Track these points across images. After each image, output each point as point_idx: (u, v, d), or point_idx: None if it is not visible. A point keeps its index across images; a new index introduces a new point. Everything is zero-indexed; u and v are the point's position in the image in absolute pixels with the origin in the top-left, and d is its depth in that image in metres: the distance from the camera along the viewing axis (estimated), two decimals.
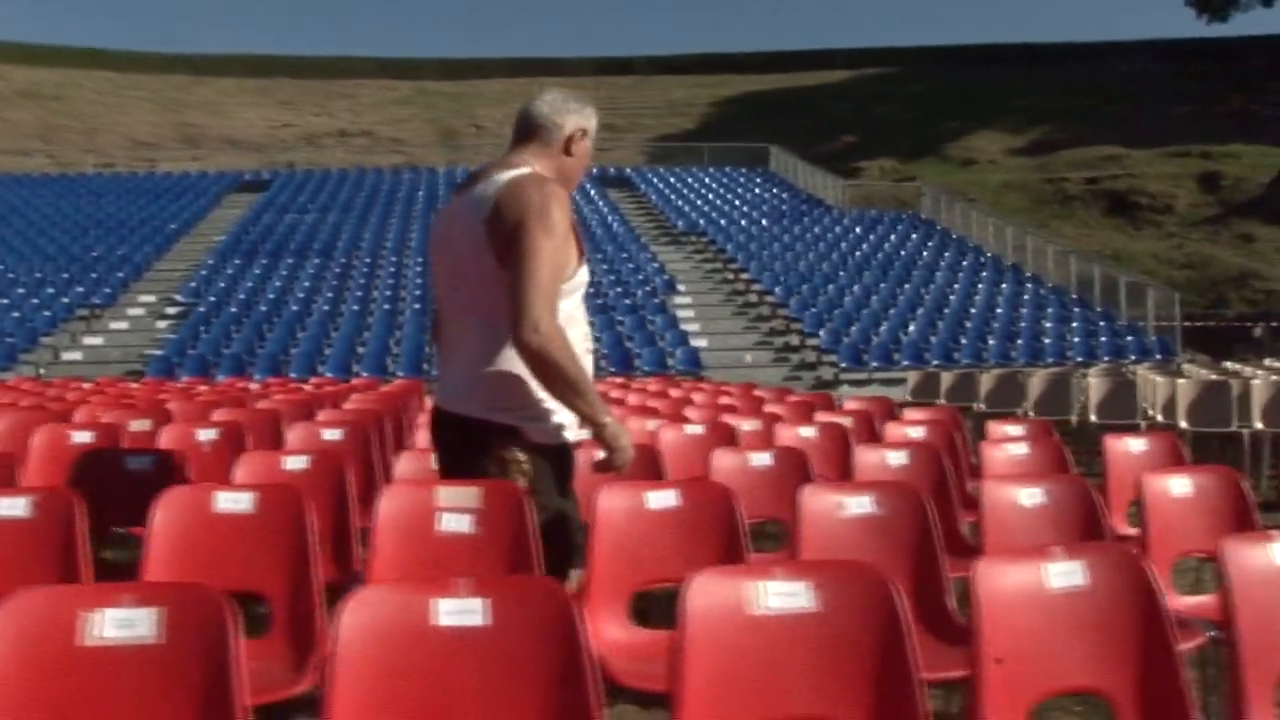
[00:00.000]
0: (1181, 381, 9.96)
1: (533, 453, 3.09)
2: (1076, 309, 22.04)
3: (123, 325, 20.83)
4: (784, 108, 52.43)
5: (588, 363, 3.15)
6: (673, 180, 33.88)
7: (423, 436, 5.55)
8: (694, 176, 34.63)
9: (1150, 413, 10.73)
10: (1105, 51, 57.24)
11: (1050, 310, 21.72)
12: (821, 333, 19.61)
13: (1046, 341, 19.79)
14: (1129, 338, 20.39)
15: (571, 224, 3.07)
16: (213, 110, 57.97)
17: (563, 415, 3.08)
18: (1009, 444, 5.04)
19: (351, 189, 32.38)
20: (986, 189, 39.40)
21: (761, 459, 4.41)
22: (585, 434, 3.14)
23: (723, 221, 28.05)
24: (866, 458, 4.57)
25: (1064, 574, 2.38)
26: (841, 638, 2.20)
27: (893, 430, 5.88)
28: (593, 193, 31.34)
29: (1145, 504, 3.49)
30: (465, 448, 3.12)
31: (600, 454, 3.06)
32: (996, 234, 26.89)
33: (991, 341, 19.54)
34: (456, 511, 3.09)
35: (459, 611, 2.08)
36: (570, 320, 3.07)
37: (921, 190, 32.40)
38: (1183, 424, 9.54)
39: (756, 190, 32.79)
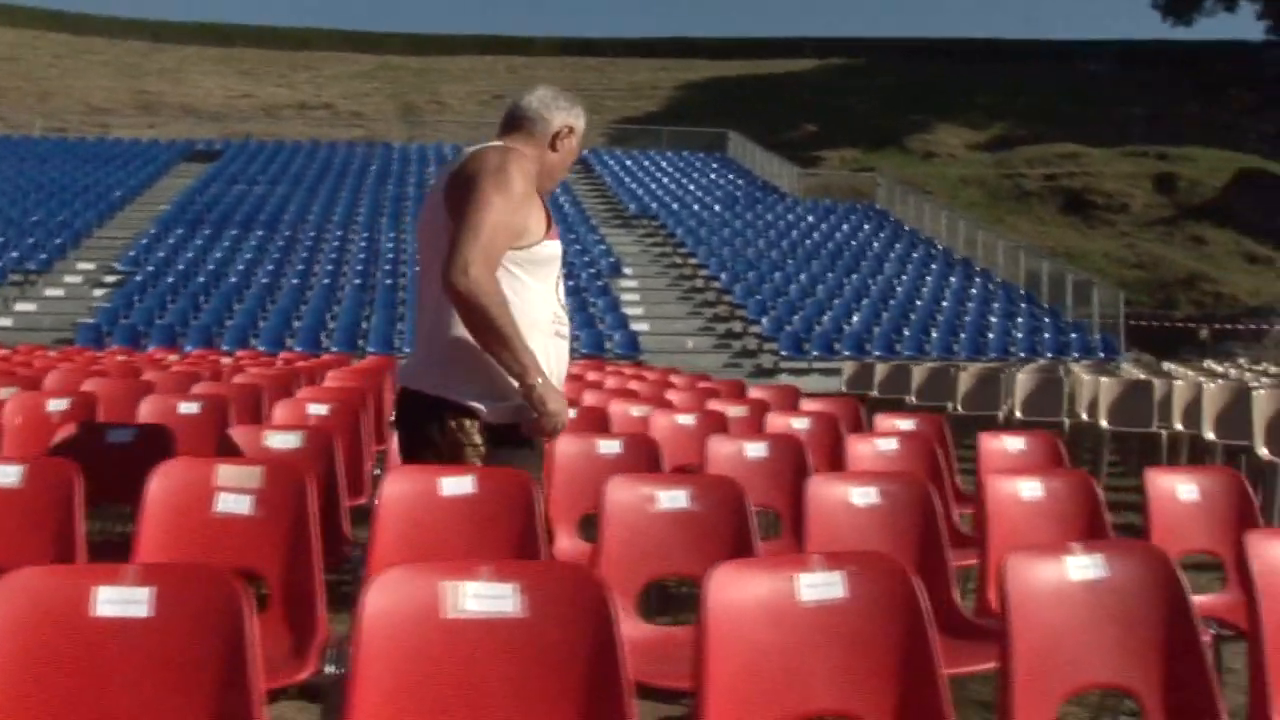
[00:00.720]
0: (1105, 380, 9.87)
1: (489, 432, 3.02)
2: (1023, 305, 22.07)
3: (58, 292, 20.46)
4: (748, 94, 52.27)
5: (561, 348, 3.10)
6: (629, 163, 33.69)
7: None
8: (651, 160, 34.46)
9: (1077, 411, 10.59)
10: (1070, 51, 57.45)
11: (996, 305, 21.73)
12: (764, 320, 19.52)
13: (990, 336, 19.77)
14: (1073, 335, 20.41)
15: (539, 195, 3.04)
16: (171, 78, 57.16)
17: (517, 396, 2.98)
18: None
19: (304, 161, 32.00)
20: (945, 182, 39.43)
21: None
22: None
23: (675, 205, 27.90)
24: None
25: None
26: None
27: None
28: None
29: (986, 506, 3.37)
30: (419, 424, 3.05)
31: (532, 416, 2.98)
32: (949, 227, 26.92)
33: (934, 334, 19.53)
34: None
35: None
36: (530, 293, 3.00)
37: (877, 181, 32.34)
38: (1103, 423, 9.47)
39: (712, 175, 32.65)
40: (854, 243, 25.63)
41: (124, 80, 56.34)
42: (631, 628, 2.82)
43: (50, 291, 20.47)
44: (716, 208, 28.15)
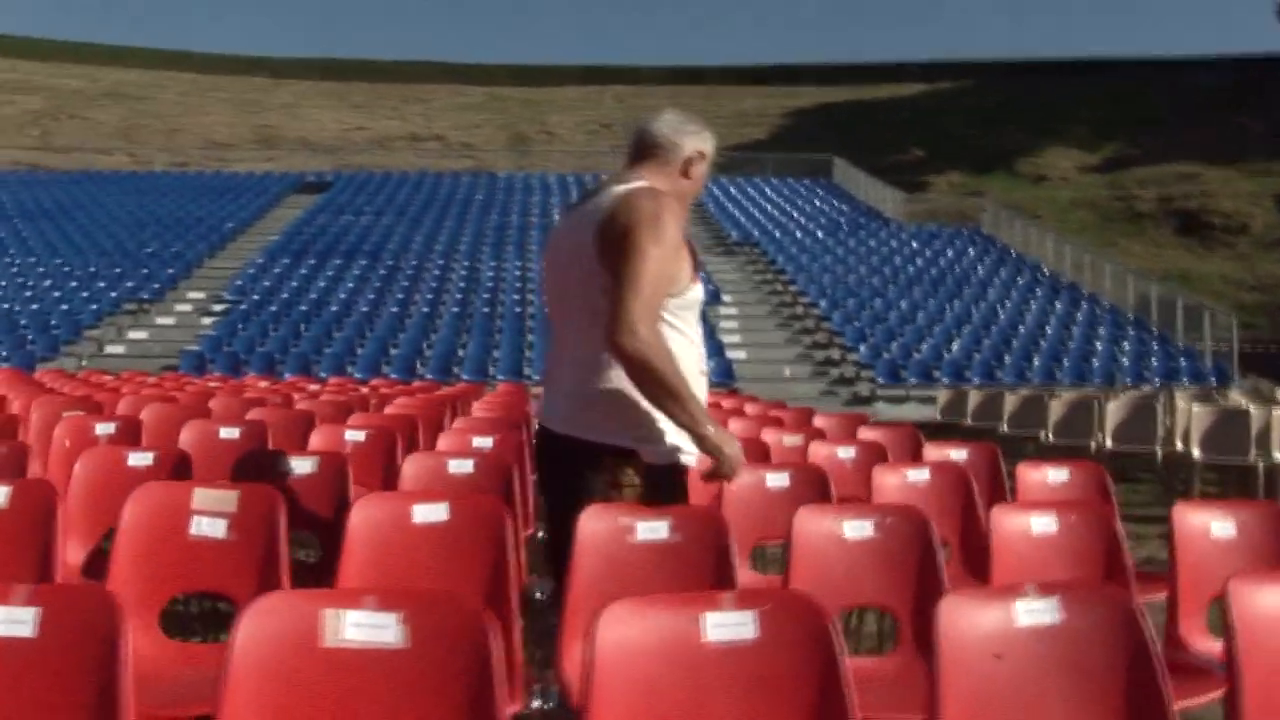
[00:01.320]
0: (1198, 408, 9.50)
1: (646, 473, 3.04)
2: (1130, 330, 21.42)
3: (169, 320, 21.05)
4: (854, 120, 51.92)
5: (701, 385, 3.09)
6: (733, 190, 33.62)
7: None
8: (755, 187, 34.36)
9: (1174, 440, 10.18)
10: (1182, 65, 55.89)
11: (1102, 330, 21.13)
12: (862, 348, 19.25)
13: (1095, 363, 19.23)
14: (1183, 361, 19.74)
15: (686, 240, 3.03)
16: (288, 112, 58.82)
17: (677, 435, 3.02)
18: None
19: (410, 191, 32.57)
20: (1055, 205, 38.63)
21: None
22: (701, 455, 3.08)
23: (777, 233, 27.73)
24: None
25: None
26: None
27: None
28: None
29: (992, 541, 3.23)
30: (575, 471, 3.04)
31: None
32: (1056, 251, 26.29)
33: (1036, 361, 19.04)
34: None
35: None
36: (683, 338, 3.02)
37: (983, 206, 31.77)
38: (1195, 452, 9.12)
39: (816, 202, 32.41)
40: (958, 268, 25.17)
41: (244, 116, 58.11)
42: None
43: (161, 320, 21.06)
44: (819, 234, 27.92)
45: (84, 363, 18.03)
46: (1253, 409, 9.47)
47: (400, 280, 22.59)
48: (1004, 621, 2.15)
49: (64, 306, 20.62)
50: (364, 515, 3.00)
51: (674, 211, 2.96)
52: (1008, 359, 19.05)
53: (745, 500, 3.90)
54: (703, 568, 2.94)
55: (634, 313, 2.80)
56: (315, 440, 5.22)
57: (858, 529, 3.11)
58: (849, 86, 58.48)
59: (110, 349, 19.39)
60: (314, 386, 11.57)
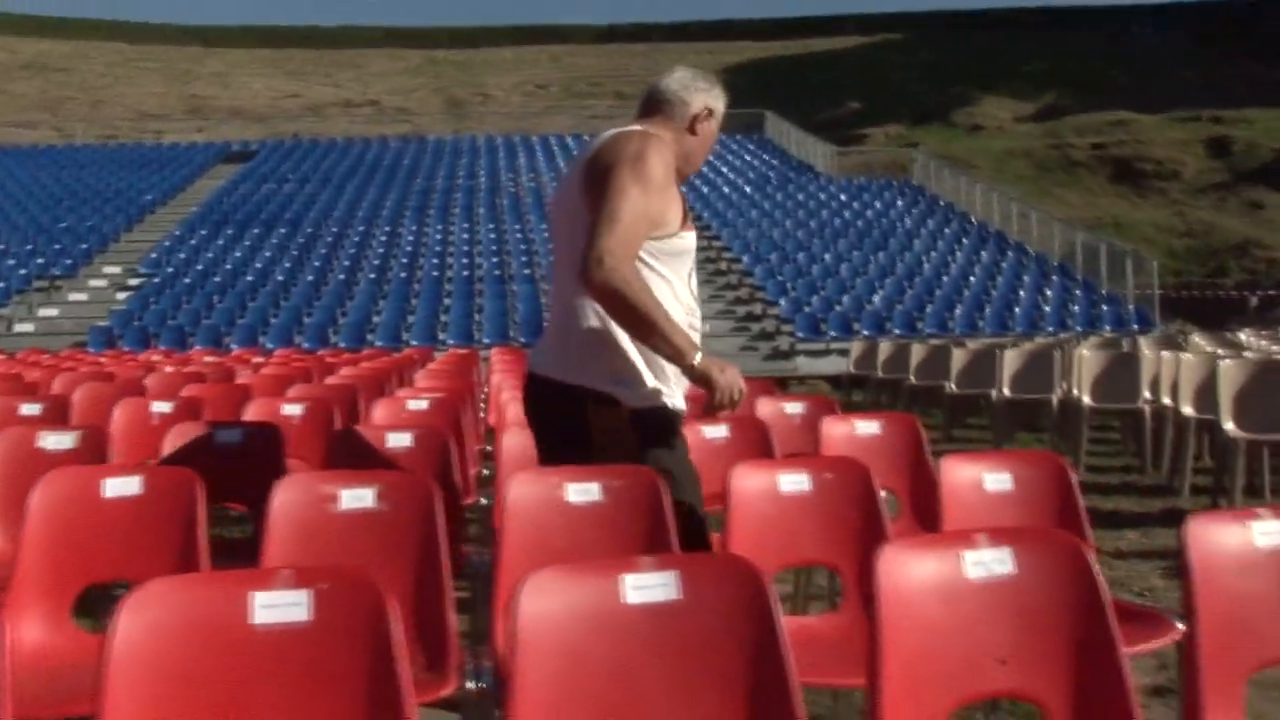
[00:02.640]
0: (1084, 352, 9.37)
1: (632, 418, 2.92)
2: (1055, 278, 21.41)
3: (82, 296, 20.59)
4: (791, 74, 51.69)
5: (695, 341, 2.96)
6: None
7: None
8: None
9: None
10: (1121, 15, 56.08)
11: (1028, 279, 21.11)
12: (782, 301, 19.12)
13: (1018, 311, 19.20)
14: (1104, 308, 19.75)
15: (676, 184, 2.95)
16: (220, 81, 57.81)
17: (661, 379, 2.92)
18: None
19: (337, 159, 32.05)
20: (990, 155, 38.62)
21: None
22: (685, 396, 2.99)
23: (704, 188, 27.50)
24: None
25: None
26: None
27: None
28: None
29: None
30: (562, 415, 2.96)
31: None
32: (984, 201, 26.25)
33: (959, 311, 18.99)
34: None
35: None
36: (665, 284, 2.91)
37: (913, 157, 31.70)
38: (1086, 399, 9.01)
39: (746, 157, 32.21)
40: (885, 220, 25.08)
41: (175, 86, 57.07)
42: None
43: (74, 296, 20.60)
44: (747, 189, 27.73)
45: None
46: (1145, 353, 9.36)
47: (319, 248, 22.20)
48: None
49: None
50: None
51: (662, 154, 2.87)
52: (929, 310, 18.98)
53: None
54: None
55: (605, 244, 2.70)
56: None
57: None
58: (785, 41, 58.22)
59: (20, 327, 18.96)
60: (258, 359, 11.35)
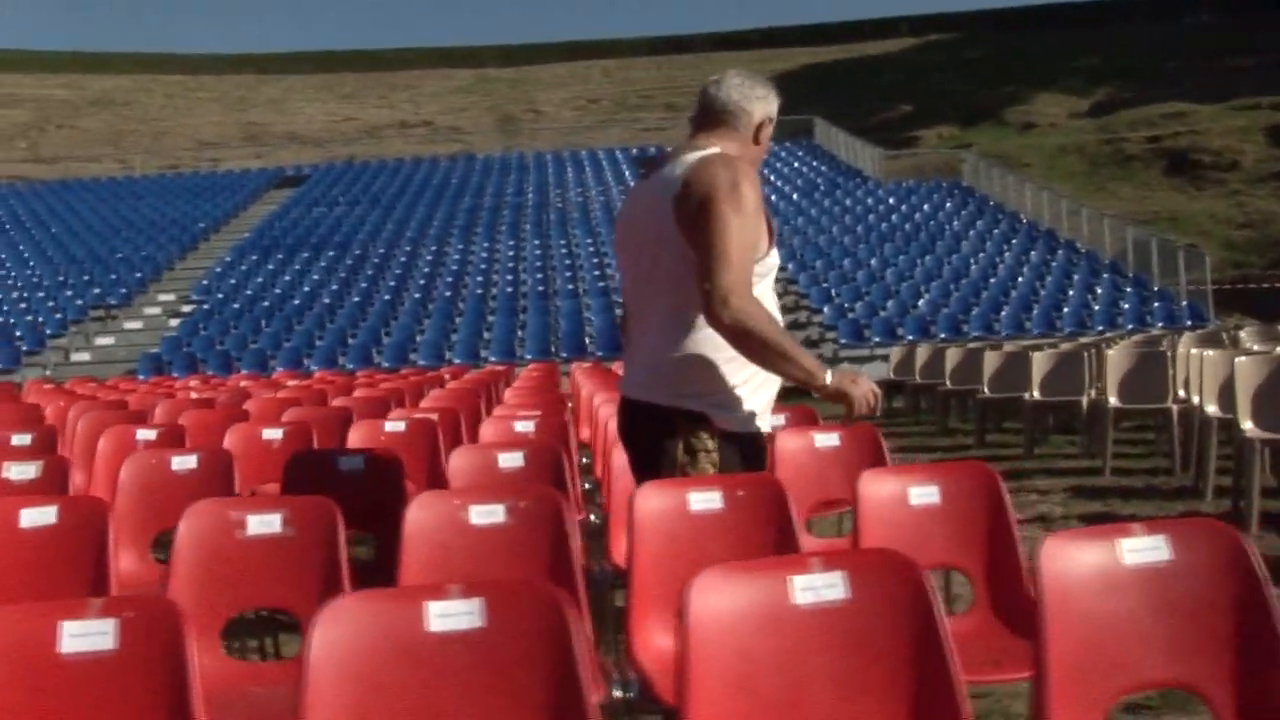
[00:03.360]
0: (1112, 353, 9.19)
1: (721, 440, 2.98)
2: (1106, 276, 21.07)
3: (136, 325, 20.98)
4: (842, 79, 51.44)
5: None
6: None
7: None
8: None
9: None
10: (1173, 5, 55.12)
11: (1077, 278, 20.80)
12: (826, 309, 19.01)
13: (1065, 311, 18.91)
14: (1155, 305, 19.40)
15: (761, 204, 2.97)
16: (276, 108, 58.67)
17: (753, 403, 3.01)
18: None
19: (388, 179, 32.37)
20: (1042, 153, 38.11)
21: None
22: (779, 421, 3.16)
23: None
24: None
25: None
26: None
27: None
28: (625, 171, 30.95)
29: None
30: (652, 436, 3.01)
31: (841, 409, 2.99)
32: (1034, 199, 25.92)
33: (1004, 313, 18.75)
34: None
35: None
36: (765, 305, 2.97)
37: (962, 157, 31.37)
38: (1113, 400, 8.84)
39: (795, 164, 32.10)
40: (933, 223, 24.85)
41: (232, 114, 58.00)
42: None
43: (129, 325, 20.99)
44: (795, 196, 27.62)
45: (48, 371, 17.99)
46: (1180, 351, 9.15)
47: (366, 270, 22.42)
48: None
49: (29, 317, 20.53)
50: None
51: (751, 178, 2.90)
52: (974, 312, 18.77)
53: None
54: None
55: (725, 284, 2.76)
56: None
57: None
58: (836, 46, 57.94)
59: (76, 356, 19.35)
60: (294, 382, 11.43)
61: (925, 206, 26.29)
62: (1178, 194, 34.00)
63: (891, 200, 26.90)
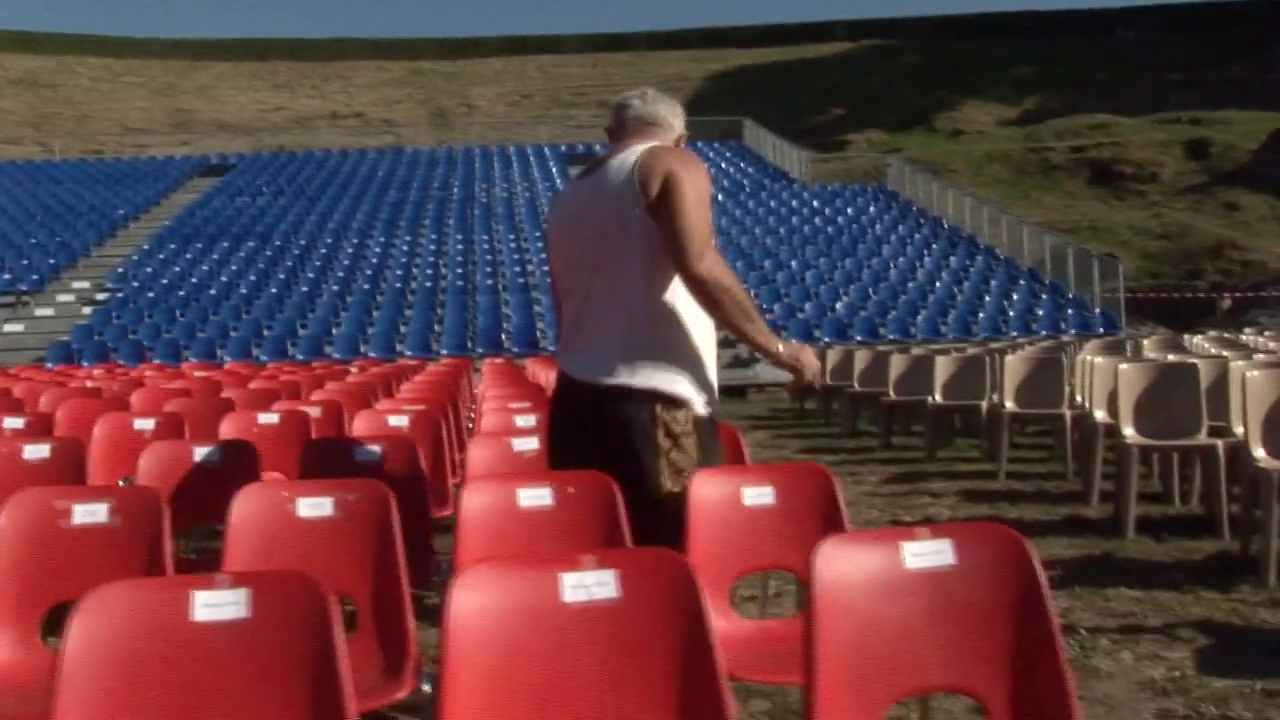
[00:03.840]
0: (1011, 360, 9.31)
1: (694, 423, 2.99)
2: (1024, 282, 21.39)
3: (48, 312, 20.57)
4: (776, 81, 51.72)
5: (711, 352, 3.14)
6: None
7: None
8: None
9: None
10: (1109, 19, 56.09)
11: (995, 284, 21.09)
12: None
13: (981, 316, 19.17)
14: (1069, 311, 19.73)
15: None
16: (206, 95, 57.84)
17: (713, 386, 3.07)
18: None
19: (314, 171, 32.05)
20: (970, 160, 38.61)
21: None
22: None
23: None
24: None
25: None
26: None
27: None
28: (554, 169, 30.87)
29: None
30: (623, 420, 2.95)
31: (787, 377, 3.17)
32: (956, 205, 26.24)
33: (921, 318, 18.96)
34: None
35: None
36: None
37: (888, 162, 31.69)
38: (1009, 405, 8.96)
39: (723, 165, 32.20)
40: (856, 226, 25.06)
41: (160, 100, 57.11)
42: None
43: (41, 311, 20.58)
44: (720, 196, 27.69)
45: None
46: (1064, 359, 9.30)
47: (285, 262, 22.17)
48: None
49: None
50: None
51: (700, 165, 3.00)
52: (892, 315, 18.95)
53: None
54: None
55: (698, 244, 2.84)
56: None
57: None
58: (773, 48, 58.25)
59: None
60: (200, 373, 11.21)
61: (849, 210, 26.51)
62: (1099, 204, 34.60)
63: (816, 203, 27.09)
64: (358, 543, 2.89)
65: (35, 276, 21.65)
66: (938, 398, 10.18)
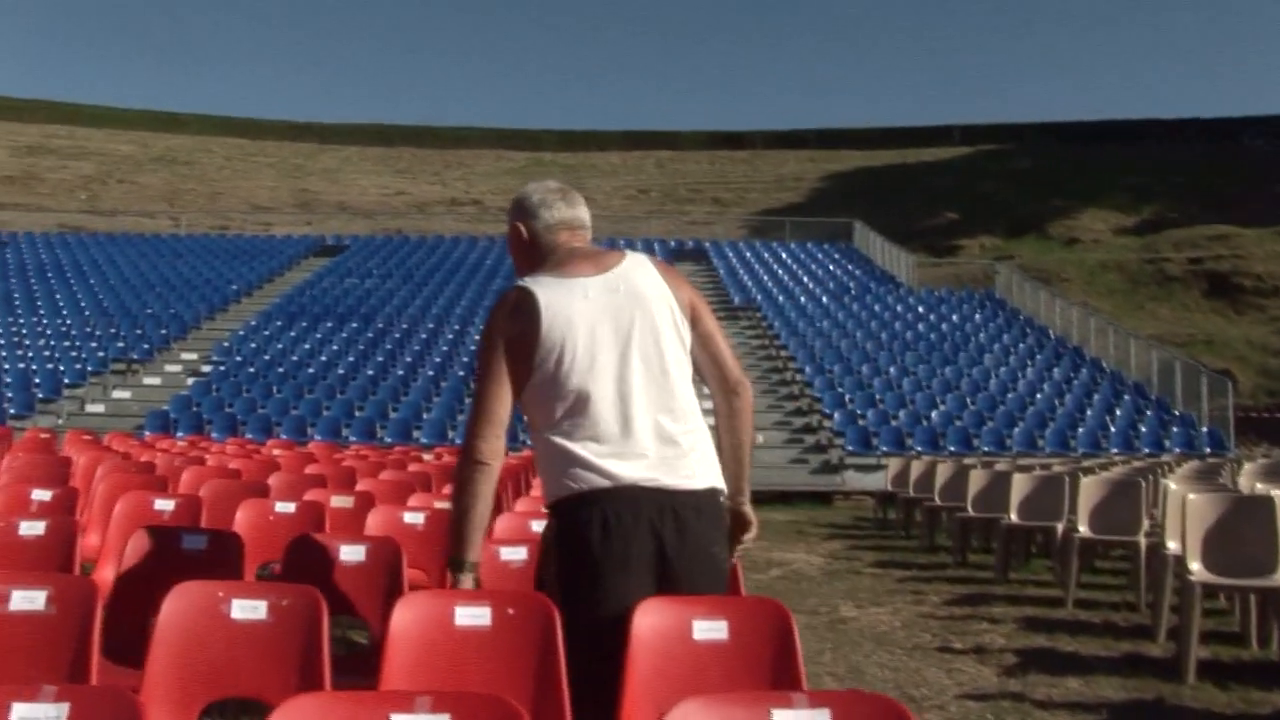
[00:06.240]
0: (1086, 482, 8.93)
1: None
2: (1128, 397, 20.74)
3: (155, 381, 21.13)
4: (891, 183, 51.58)
5: None
6: (749, 255, 33.36)
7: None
8: (771, 251, 34.07)
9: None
10: (1231, 127, 54.96)
11: (1097, 397, 20.48)
12: (836, 414, 18.80)
13: (1080, 431, 18.60)
14: (1174, 429, 19.05)
15: None
16: (331, 177, 59.63)
17: None
18: None
19: (425, 255, 32.66)
20: (1083, 268, 37.88)
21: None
22: None
23: (781, 297, 27.39)
24: None
25: None
26: None
27: None
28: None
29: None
30: (700, 526, 2.88)
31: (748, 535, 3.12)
32: (1064, 315, 25.68)
33: (1018, 429, 18.46)
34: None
35: None
36: None
37: (997, 269, 31.20)
38: (1083, 529, 8.59)
39: (831, 267, 32.04)
40: (960, 333, 24.63)
41: (287, 180, 59.01)
42: None
43: (149, 380, 21.14)
44: (824, 299, 27.52)
45: (61, 421, 18.13)
46: (1144, 482, 8.90)
47: (385, 344, 22.52)
48: None
49: (50, 365, 20.75)
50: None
51: None
52: (987, 427, 18.49)
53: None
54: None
55: (740, 367, 3.10)
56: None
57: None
58: (889, 150, 58.21)
59: (91, 407, 19.50)
60: (279, 452, 11.20)
61: (954, 317, 26.09)
62: (1217, 317, 33.61)
63: (920, 308, 26.74)
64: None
65: (146, 346, 22.29)
66: (1013, 517, 9.84)
